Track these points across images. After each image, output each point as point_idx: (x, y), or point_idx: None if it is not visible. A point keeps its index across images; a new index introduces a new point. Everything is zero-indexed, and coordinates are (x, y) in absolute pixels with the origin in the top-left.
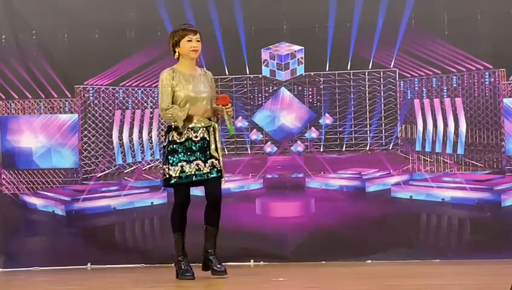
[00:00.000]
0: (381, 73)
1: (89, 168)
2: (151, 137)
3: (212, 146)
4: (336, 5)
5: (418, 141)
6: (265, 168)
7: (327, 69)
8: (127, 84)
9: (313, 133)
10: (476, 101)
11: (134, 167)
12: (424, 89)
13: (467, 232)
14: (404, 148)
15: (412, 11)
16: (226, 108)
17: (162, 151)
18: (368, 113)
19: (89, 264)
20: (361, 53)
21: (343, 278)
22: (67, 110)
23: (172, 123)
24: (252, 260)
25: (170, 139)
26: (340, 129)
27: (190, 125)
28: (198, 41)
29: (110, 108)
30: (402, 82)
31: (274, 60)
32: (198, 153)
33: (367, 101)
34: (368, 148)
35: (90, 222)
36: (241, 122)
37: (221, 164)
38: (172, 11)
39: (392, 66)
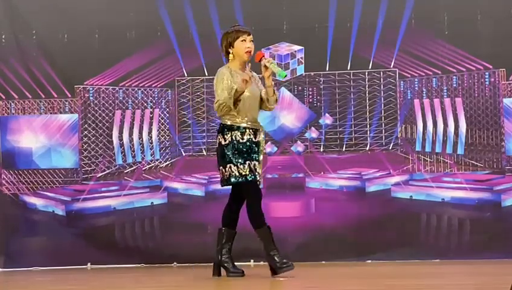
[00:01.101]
0: (381, 73)
1: (89, 168)
2: (151, 137)
3: (261, 148)
4: (336, 5)
5: (418, 141)
6: (265, 168)
7: (327, 69)
8: (127, 84)
9: (313, 133)
10: (476, 101)
11: (135, 167)
12: (424, 89)
13: (467, 232)
14: (404, 148)
15: (412, 11)
16: (264, 59)
17: (219, 150)
18: (367, 113)
19: (89, 264)
20: (361, 53)
21: (343, 278)
22: (67, 110)
23: (227, 121)
24: (252, 260)
25: (233, 138)
26: (340, 129)
27: (251, 126)
28: (251, 41)
29: (110, 108)
30: (402, 82)
31: (274, 60)
32: (256, 155)
33: (367, 101)
34: (367, 148)
35: (90, 222)
36: None
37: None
38: (172, 12)
39: (392, 66)
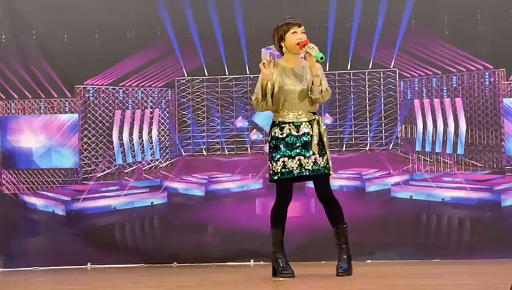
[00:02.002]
0: (381, 73)
1: (89, 168)
2: (151, 137)
3: (315, 141)
4: (336, 5)
5: (418, 141)
6: (266, 168)
7: (327, 69)
8: (127, 84)
9: None
10: (476, 101)
11: (135, 167)
12: (424, 89)
13: (467, 232)
14: (404, 148)
15: (412, 11)
16: (306, 46)
17: (268, 146)
18: (368, 113)
19: (89, 264)
20: (361, 53)
21: (343, 278)
22: (67, 110)
23: (273, 117)
24: (252, 260)
25: (273, 135)
26: (340, 129)
27: (291, 120)
28: (303, 33)
29: (110, 108)
30: (402, 82)
31: (274, 60)
32: (301, 149)
33: (367, 101)
34: (367, 148)
35: (90, 222)
36: (241, 123)
37: (326, 159)
38: (172, 12)
39: (392, 66)
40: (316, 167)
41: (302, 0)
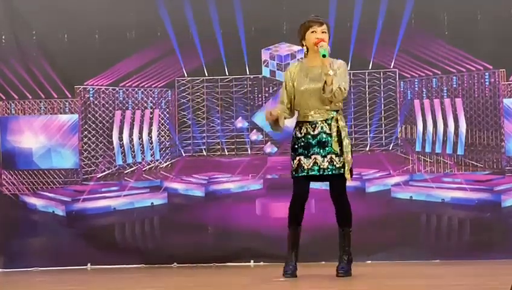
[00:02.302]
0: (381, 73)
1: (89, 169)
2: (151, 137)
3: (332, 140)
4: (336, 5)
5: (418, 141)
6: (265, 168)
7: None
8: (127, 85)
9: None
10: (476, 102)
11: (135, 168)
12: (424, 90)
13: (467, 232)
14: (404, 148)
15: (412, 11)
16: (319, 46)
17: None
18: (368, 113)
19: (89, 264)
20: (361, 53)
21: (343, 278)
22: (67, 110)
23: (297, 119)
24: (252, 260)
25: (293, 135)
26: None
27: (308, 119)
28: (323, 32)
29: (110, 108)
30: (402, 82)
31: (274, 60)
32: (317, 148)
33: (367, 101)
34: (368, 149)
35: (91, 223)
36: (241, 123)
37: (345, 159)
38: (172, 12)
39: (392, 66)
40: (332, 167)
41: (302, 0)
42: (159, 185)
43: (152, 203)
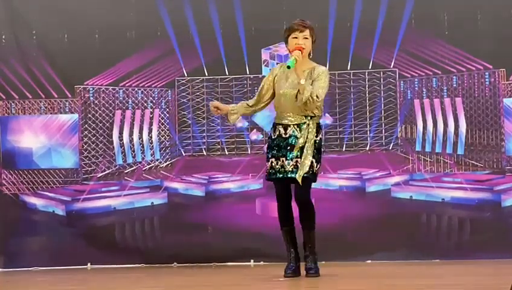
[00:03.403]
0: (381, 73)
1: (89, 168)
2: (151, 137)
3: (298, 143)
4: (336, 5)
5: (418, 141)
6: (265, 168)
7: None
8: (127, 84)
9: None
10: (476, 101)
11: (135, 167)
12: (424, 89)
13: (467, 232)
14: (404, 148)
15: (412, 11)
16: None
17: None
18: (368, 113)
19: (89, 264)
20: (361, 53)
21: (343, 278)
22: (67, 110)
23: (274, 121)
24: (252, 260)
25: (269, 135)
26: (340, 129)
27: (283, 122)
28: (305, 38)
29: (110, 108)
30: (402, 82)
31: (274, 60)
32: (284, 151)
33: (367, 101)
34: (368, 148)
35: (91, 222)
36: (241, 123)
37: (309, 163)
38: (172, 12)
39: (392, 66)
40: (296, 170)
41: (302, 0)
42: (159, 184)
43: (152, 202)
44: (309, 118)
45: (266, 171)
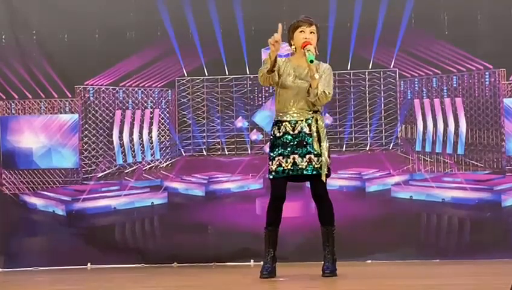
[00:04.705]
0: (381, 73)
1: (90, 168)
2: (151, 137)
3: (313, 140)
4: (336, 5)
5: (418, 141)
6: (266, 168)
7: None
8: (127, 84)
9: None
10: (476, 101)
11: (135, 167)
12: (424, 89)
13: (467, 232)
14: (404, 148)
15: (412, 11)
16: (306, 48)
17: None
18: (368, 113)
19: (89, 264)
20: (361, 53)
21: (343, 278)
22: (67, 110)
23: (275, 119)
24: (252, 260)
25: (271, 133)
26: (340, 129)
27: (287, 118)
28: (312, 33)
29: (111, 108)
30: (402, 82)
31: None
32: (295, 147)
33: (367, 101)
34: (368, 148)
35: (91, 222)
36: (241, 122)
37: (324, 159)
38: (172, 12)
39: (392, 66)
40: (310, 167)
41: (302, 0)
42: (159, 184)
43: (152, 202)
44: (314, 113)
45: (270, 170)
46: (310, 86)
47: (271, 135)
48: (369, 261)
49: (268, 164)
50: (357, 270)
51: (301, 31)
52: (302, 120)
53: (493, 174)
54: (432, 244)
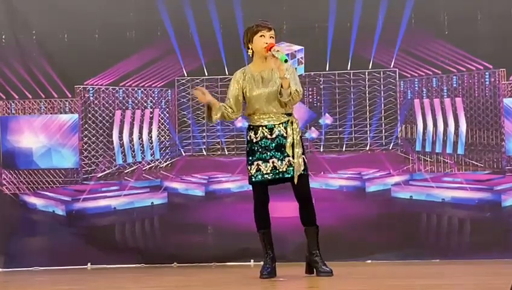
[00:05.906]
0: (381, 73)
1: (89, 168)
2: (151, 137)
3: (288, 143)
4: (336, 5)
5: (418, 141)
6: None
7: (327, 69)
8: (127, 84)
9: (313, 133)
10: (476, 101)
11: (135, 167)
12: (424, 89)
13: (467, 232)
14: (404, 148)
15: (412, 11)
16: (272, 50)
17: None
18: (368, 113)
19: (89, 264)
20: (361, 53)
21: (343, 278)
22: (67, 110)
23: (248, 121)
24: (252, 260)
25: (248, 138)
26: (340, 129)
27: (263, 123)
28: (272, 37)
29: (110, 108)
30: (402, 82)
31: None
32: (274, 151)
33: (367, 101)
34: (368, 148)
35: (91, 222)
36: (241, 123)
37: (301, 160)
38: (172, 12)
39: (392, 66)
40: (291, 169)
41: (302, 0)
42: (159, 184)
43: (152, 202)
44: (289, 116)
45: (250, 175)
46: (282, 86)
47: (247, 140)
48: (369, 261)
49: (247, 169)
50: (357, 270)
51: (261, 36)
52: (278, 124)
53: (493, 174)
54: (431, 245)
